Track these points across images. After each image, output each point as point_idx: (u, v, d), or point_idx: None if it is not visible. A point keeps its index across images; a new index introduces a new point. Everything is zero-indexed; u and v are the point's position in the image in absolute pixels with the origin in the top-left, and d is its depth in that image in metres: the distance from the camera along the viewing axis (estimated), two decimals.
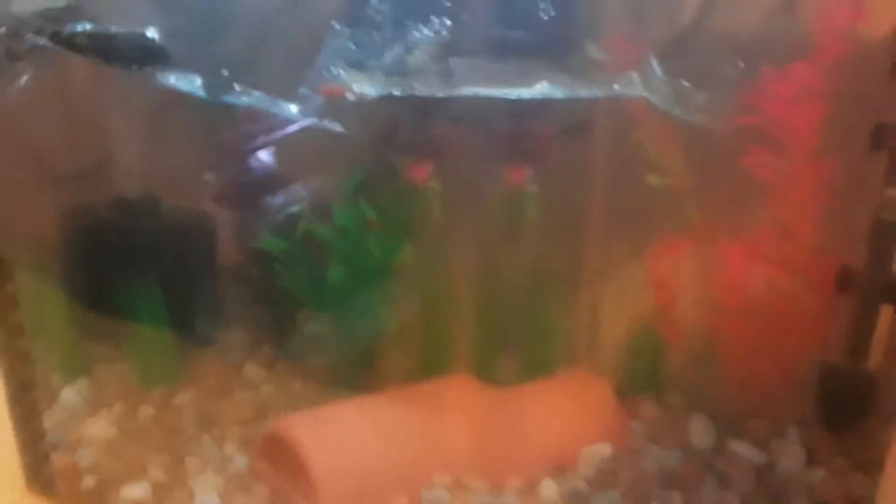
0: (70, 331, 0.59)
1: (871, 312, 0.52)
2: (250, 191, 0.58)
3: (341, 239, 0.55)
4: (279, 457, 0.51)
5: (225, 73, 0.42)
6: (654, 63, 0.45)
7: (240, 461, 0.54)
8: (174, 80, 0.42)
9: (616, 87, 0.45)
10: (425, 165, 0.51)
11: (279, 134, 0.53)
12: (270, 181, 0.57)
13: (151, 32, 0.43)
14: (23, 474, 0.58)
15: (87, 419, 0.58)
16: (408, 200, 0.53)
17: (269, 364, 0.61)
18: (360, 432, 0.51)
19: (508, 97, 0.42)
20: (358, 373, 0.58)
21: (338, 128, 0.41)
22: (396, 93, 0.39)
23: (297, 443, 0.50)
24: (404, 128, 0.45)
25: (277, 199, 0.57)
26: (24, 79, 0.47)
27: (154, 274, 0.58)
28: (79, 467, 0.55)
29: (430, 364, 0.56)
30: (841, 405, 0.54)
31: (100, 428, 0.57)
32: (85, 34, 0.43)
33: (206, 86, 0.42)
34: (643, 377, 0.58)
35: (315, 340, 0.59)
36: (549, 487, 0.51)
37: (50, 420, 0.58)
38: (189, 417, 0.57)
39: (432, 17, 0.39)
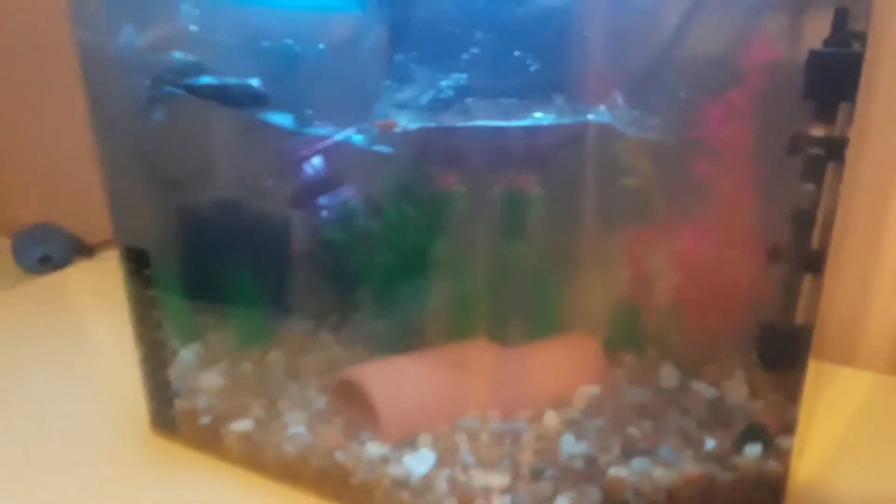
0: (185, 306, 0.77)
1: (794, 280, 0.68)
2: (314, 195, 0.75)
3: (388, 231, 0.72)
4: (350, 396, 0.69)
5: (309, 111, 0.59)
6: (619, 97, 0.62)
7: (319, 402, 0.71)
8: (272, 117, 0.60)
9: (590, 116, 0.61)
10: (451, 175, 0.68)
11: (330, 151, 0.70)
12: (329, 187, 0.75)
13: (255, 82, 0.61)
14: (148, 419, 0.77)
15: (201, 373, 0.76)
16: (439, 201, 0.70)
17: (335, 331, 0.78)
18: (411, 377, 0.68)
19: (510, 125, 0.59)
20: (402, 337, 0.75)
21: (387, 150, 0.58)
22: (429, 124, 0.56)
23: (365, 383, 0.67)
24: (436, 149, 0.61)
25: (335, 201, 0.74)
26: (158, 114, 0.66)
27: (243, 261, 0.76)
28: (197, 409, 0.73)
29: (459, 331, 0.73)
30: (775, 353, 0.70)
31: (211, 380, 0.75)
32: (208, 85, 0.61)
33: (296, 121, 0.59)
34: (625, 336, 0.75)
35: (369, 313, 0.77)
36: (550, 417, 0.68)
37: (171, 375, 0.76)
38: (278, 371, 0.75)
39: (453, 74, 0.56)
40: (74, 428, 0.78)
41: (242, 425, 0.71)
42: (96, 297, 1.07)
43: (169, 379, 0.73)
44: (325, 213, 0.74)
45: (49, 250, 1.37)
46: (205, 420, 0.72)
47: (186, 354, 0.77)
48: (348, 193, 0.73)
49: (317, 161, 0.74)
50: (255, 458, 0.70)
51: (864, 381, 0.85)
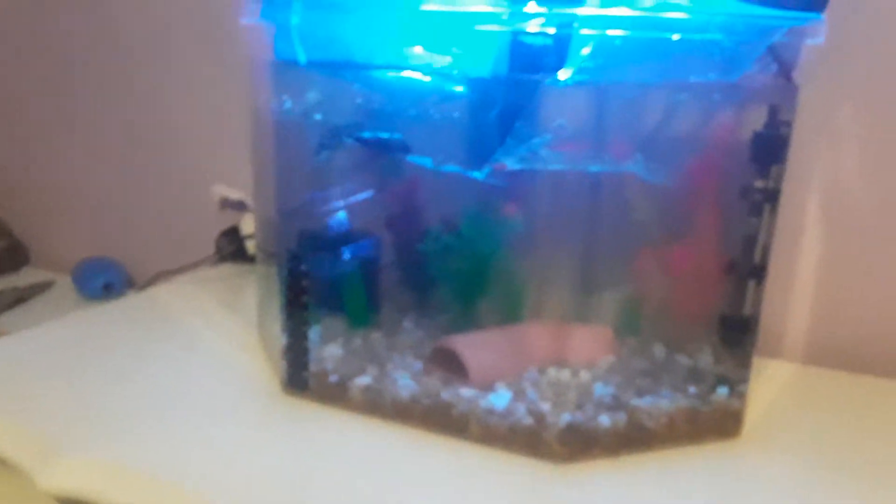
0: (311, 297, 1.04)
1: (742, 285, 1.00)
2: (408, 218, 1.06)
3: (464, 245, 1.02)
4: (442, 360, 0.98)
5: (440, 156, 0.89)
6: (637, 154, 0.94)
7: (417, 365, 0.99)
8: (414, 160, 0.90)
9: (623, 167, 0.93)
10: (514, 205, 0.99)
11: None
12: (421, 214, 1.05)
13: (399, 136, 0.91)
14: (279, 383, 1.03)
15: (324, 347, 1.03)
16: (503, 224, 1.00)
17: (417, 320, 1.08)
18: (488, 343, 0.98)
19: (573, 170, 0.91)
20: (469, 325, 1.04)
21: (495, 182, 0.89)
22: (523, 167, 0.87)
23: (456, 346, 0.96)
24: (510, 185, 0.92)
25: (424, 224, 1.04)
26: (323, 156, 0.95)
27: (353, 265, 1.05)
28: (327, 371, 1.00)
29: (514, 318, 1.03)
30: (731, 335, 1.02)
31: (333, 350, 1.02)
32: (369, 138, 0.91)
33: (433, 162, 0.90)
34: (630, 326, 1.06)
35: (443, 306, 1.06)
36: (584, 374, 0.98)
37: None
38: (381, 345, 1.03)
39: (539, 135, 0.87)
40: (218, 394, 1.01)
41: (363, 380, 0.98)
42: (189, 309, 1.32)
43: (307, 348, 1.00)
44: (411, 233, 1.04)
45: (112, 278, 1.61)
46: (333, 378, 0.99)
47: (310, 333, 1.04)
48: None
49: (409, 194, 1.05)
50: (374, 404, 0.97)
51: (787, 368, 1.19)
